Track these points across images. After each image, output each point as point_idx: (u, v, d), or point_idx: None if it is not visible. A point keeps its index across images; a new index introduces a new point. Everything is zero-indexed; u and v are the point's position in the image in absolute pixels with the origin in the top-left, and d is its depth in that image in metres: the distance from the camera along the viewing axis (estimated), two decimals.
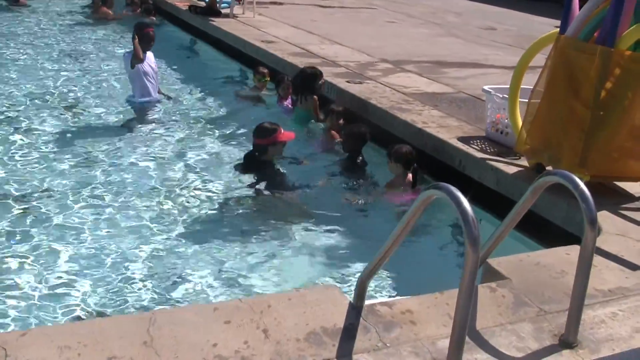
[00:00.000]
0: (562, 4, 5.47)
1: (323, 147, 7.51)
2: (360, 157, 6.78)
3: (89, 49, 12.53)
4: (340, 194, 6.28)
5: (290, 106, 8.78)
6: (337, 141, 7.44)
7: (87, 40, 13.28)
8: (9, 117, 8.22)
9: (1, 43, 12.33)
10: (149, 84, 8.87)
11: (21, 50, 11.99)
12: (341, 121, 7.54)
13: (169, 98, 9.24)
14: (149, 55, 8.91)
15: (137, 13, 15.75)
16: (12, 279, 4.69)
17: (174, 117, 8.65)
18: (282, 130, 6.31)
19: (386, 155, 6.29)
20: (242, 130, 8.11)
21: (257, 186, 6.26)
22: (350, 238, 5.59)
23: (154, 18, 15.08)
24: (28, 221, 5.57)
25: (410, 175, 6.14)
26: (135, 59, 8.58)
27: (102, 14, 15.42)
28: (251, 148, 6.51)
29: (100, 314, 4.34)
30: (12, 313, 4.31)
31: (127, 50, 8.83)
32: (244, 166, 6.49)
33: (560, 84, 5.28)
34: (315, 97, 8.15)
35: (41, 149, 7.21)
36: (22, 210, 5.75)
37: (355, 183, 6.42)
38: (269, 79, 9.44)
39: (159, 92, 9.09)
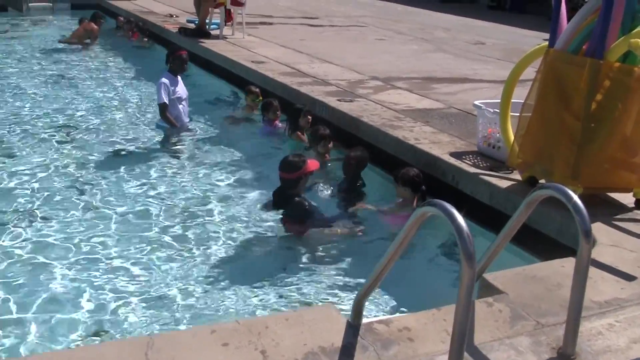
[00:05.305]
0: (550, 17, 5.51)
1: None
2: (360, 181, 6.75)
3: (78, 71, 12.60)
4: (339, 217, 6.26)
5: (280, 125, 8.77)
6: (327, 162, 7.46)
7: (78, 63, 13.33)
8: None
9: None
10: (182, 110, 8.88)
11: (11, 73, 12.06)
12: (331, 144, 7.52)
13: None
14: (180, 80, 8.92)
15: (130, 36, 15.49)
16: (10, 304, 4.67)
17: (171, 141, 8.66)
18: (308, 161, 6.14)
19: (393, 179, 6.22)
20: (238, 153, 8.20)
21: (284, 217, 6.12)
22: (346, 257, 5.59)
23: (146, 39, 15.10)
24: (24, 244, 5.57)
25: (416, 199, 6.09)
26: (165, 119, 8.64)
27: (86, 31, 14.87)
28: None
29: (99, 338, 4.32)
30: (10, 339, 4.28)
31: (163, 80, 8.64)
32: (274, 203, 6.27)
33: (551, 97, 5.31)
34: (298, 133, 8.13)
35: (36, 173, 7.21)
36: (19, 233, 5.75)
37: (354, 205, 6.38)
38: (261, 98, 9.44)
39: None
